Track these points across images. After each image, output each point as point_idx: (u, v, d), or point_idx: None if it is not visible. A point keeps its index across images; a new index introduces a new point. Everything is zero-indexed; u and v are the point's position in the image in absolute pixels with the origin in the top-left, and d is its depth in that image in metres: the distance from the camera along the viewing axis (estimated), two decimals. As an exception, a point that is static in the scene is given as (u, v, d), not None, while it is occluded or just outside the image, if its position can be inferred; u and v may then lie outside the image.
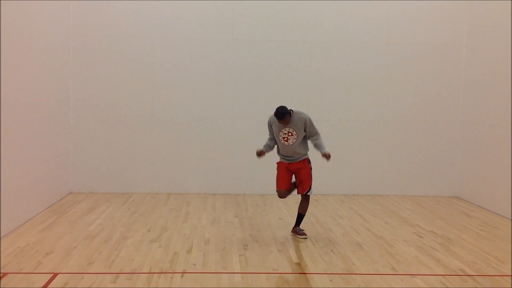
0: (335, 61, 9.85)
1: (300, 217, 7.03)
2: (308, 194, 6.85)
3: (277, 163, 6.96)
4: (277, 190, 6.94)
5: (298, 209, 7.02)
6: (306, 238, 6.85)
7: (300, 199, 7.02)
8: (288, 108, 6.63)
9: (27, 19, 7.45)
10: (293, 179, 6.94)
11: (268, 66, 9.79)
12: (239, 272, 5.60)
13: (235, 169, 9.87)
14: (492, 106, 8.87)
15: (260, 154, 6.82)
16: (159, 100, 9.71)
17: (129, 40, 9.61)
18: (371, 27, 9.85)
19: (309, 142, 6.85)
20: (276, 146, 6.93)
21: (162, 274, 5.48)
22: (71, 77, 9.50)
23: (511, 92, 8.30)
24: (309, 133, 6.72)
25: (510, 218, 8.19)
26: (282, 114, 6.53)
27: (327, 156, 6.68)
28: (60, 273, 5.45)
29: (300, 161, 6.78)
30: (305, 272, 5.66)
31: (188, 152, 9.80)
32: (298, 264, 5.91)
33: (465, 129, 9.78)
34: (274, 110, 6.63)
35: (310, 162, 6.87)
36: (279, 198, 7.10)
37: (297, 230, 6.99)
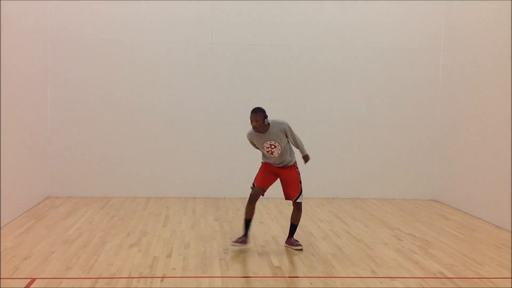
0: (315, 65, 9.89)
1: (293, 228, 6.66)
2: (298, 201, 6.52)
3: (261, 162, 6.66)
4: (253, 185, 6.51)
5: (291, 219, 6.67)
6: (301, 249, 6.48)
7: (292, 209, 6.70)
8: (265, 116, 6.29)
9: (3, 21, 7.35)
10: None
11: (248, 70, 9.80)
12: (220, 276, 5.57)
13: (215, 172, 9.84)
14: (470, 109, 8.97)
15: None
16: (138, 104, 9.65)
17: (108, 43, 9.54)
18: (349, 31, 9.91)
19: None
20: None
21: (141, 278, 5.44)
22: (49, 80, 9.40)
23: (488, 96, 8.41)
24: (292, 141, 6.48)
25: (488, 220, 8.28)
26: (256, 109, 6.26)
27: (306, 158, 6.56)
28: (38, 278, 5.38)
29: (287, 167, 6.51)
30: (286, 275, 5.65)
31: (168, 155, 9.76)
32: (279, 267, 5.90)
33: (443, 132, 9.89)
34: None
35: (297, 168, 6.57)
36: (251, 195, 6.44)
37: (291, 241, 6.62)
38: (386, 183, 10.09)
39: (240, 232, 6.82)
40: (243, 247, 6.48)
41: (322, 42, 9.89)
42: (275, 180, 6.64)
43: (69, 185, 9.56)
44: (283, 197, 6.64)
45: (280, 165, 6.52)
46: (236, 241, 6.47)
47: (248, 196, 6.51)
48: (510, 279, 5.68)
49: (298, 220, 6.65)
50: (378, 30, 9.94)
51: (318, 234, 7.34)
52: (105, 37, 9.52)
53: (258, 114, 6.27)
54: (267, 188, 6.58)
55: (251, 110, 6.35)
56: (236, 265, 5.96)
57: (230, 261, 6.09)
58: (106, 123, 9.62)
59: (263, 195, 6.57)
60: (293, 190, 6.52)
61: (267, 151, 6.41)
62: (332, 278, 5.57)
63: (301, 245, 6.57)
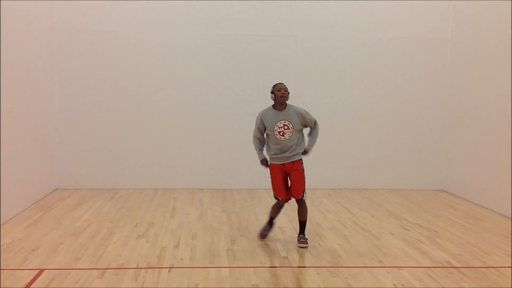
0: (322, 56, 9.87)
1: (302, 224, 6.44)
2: (303, 198, 6.36)
3: (269, 165, 6.39)
4: (277, 198, 6.42)
5: (298, 217, 6.45)
6: (306, 247, 6.27)
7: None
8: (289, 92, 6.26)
9: (11, 14, 7.37)
10: None
11: (255, 61, 9.78)
12: (227, 266, 5.60)
13: (223, 164, 9.86)
14: (477, 99, 8.93)
15: (265, 163, 6.42)
16: (146, 96, 9.67)
17: (115, 35, 9.55)
18: (356, 22, 9.87)
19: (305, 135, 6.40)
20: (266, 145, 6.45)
21: (149, 269, 5.47)
22: (57, 72, 9.43)
23: (496, 85, 8.37)
24: (308, 122, 6.28)
25: (495, 210, 8.26)
26: (282, 83, 6.23)
27: (306, 153, 6.36)
28: (46, 269, 5.42)
29: (294, 162, 6.25)
30: (293, 265, 5.67)
31: (175, 147, 9.78)
32: (286, 258, 5.92)
33: (450, 122, 9.85)
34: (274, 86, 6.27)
35: (302, 163, 6.34)
36: (278, 206, 6.50)
37: (298, 238, 6.41)
38: (393, 173, 10.08)
39: (247, 222, 6.83)
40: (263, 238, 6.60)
41: (328, 32, 9.85)
42: (288, 178, 6.41)
43: (77, 177, 9.60)
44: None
45: (288, 158, 6.22)
46: (260, 234, 6.63)
47: (273, 203, 6.60)
48: (518, 268, 5.68)
49: (306, 216, 6.44)
50: (385, 19, 9.90)
51: (325, 225, 7.34)
52: (112, 29, 9.53)
53: (285, 87, 6.20)
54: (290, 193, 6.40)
55: (275, 83, 6.35)
56: (243, 255, 5.99)
57: (237, 251, 6.11)
58: (114, 115, 9.64)
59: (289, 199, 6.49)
60: (299, 188, 6.30)
61: (278, 132, 6.14)
62: (339, 268, 5.58)
63: (306, 243, 6.31)
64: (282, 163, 6.27)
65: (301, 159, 6.34)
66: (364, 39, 9.90)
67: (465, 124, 9.32)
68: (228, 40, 9.73)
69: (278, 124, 6.18)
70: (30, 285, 4.97)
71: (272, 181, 6.40)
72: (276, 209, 6.57)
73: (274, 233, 6.89)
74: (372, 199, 9.13)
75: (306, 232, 6.58)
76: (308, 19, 9.81)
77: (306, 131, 6.49)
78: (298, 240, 6.41)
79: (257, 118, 6.35)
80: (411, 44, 9.95)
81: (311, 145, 6.42)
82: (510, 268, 5.68)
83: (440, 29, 9.94)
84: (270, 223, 6.67)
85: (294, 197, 6.37)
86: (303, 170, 6.35)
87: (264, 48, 9.79)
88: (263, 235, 6.60)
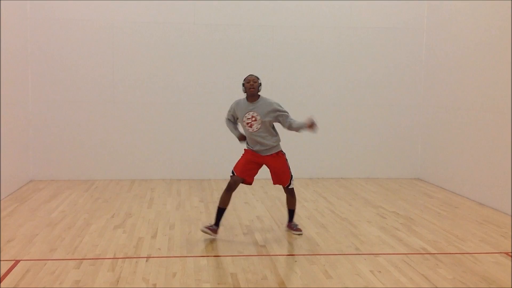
0: (298, 45, 9.87)
1: (290, 213, 6.52)
2: (291, 187, 6.34)
3: (244, 149, 6.37)
4: (232, 173, 6.19)
5: (287, 206, 6.52)
6: (301, 234, 6.33)
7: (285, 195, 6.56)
8: (260, 83, 6.19)
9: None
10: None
11: (232, 51, 9.74)
12: (205, 255, 5.59)
13: (200, 154, 9.83)
14: (452, 89, 9.02)
15: (244, 138, 6.33)
16: (120, 85, 9.57)
17: (89, 23, 9.43)
18: (332, 12, 9.88)
19: (286, 130, 6.27)
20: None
21: (126, 259, 5.44)
22: (30, 61, 9.28)
23: (471, 75, 8.46)
24: (280, 116, 6.12)
25: (470, 198, 8.38)
26: (252, 75, 6.17)
27: (311, 125, 5.99)
28: (22, 260, 5.35)
29: (273, 154, 6.18)
30: (270, 254, 5.68)
31: (152, 137, 9.71)
32: (264, 246, 5.93)
33: (426, 112, 9.94)
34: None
35: (284, 154, 6.29)
36: (229, 184, 6.17)
37: (291, 226, 6.48)
38: (370, 162, 10.15)
39: (225, 212, 6.79)
40: (212, 237, 6.16)
41: (305, 22, 9.85)
42: (258, 169, 6.29)
43: (52, 168, 9.49)
44: (269, 178, 6.38)
45: (264, 151, 6.16)
46: (207, 228, 6.15)
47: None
48: (492, 254, 5.76)
49: (295, 205, 6.49)
50: (361, 9, 9.93)
51: (303, 214, 7.37)
52: (86, 18, 9.40)
53: (256, 77, 6.17)
54: (251, 179, 6.27)
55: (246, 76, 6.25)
56: (221, 244, 5.98)
57: (214, 241, 6.10)
58: (89, 105, 9.53)
59: (250, 183, 6.32)
60: (284, 177, 6.26)
61: (246, 123, 6.11)
62: (317, 256, 5.61)
63: (301, 230, 6.39)
64: (259, 154, 6.20)
65: (281, 150, 6.29)
66: (340, 29, 9.92)
67: (441, 114, 9.41)
68: (204, 29, 9.67)
69: (246, 115, 6.13)
70: (6, 276, 4.91)
71: (240, 158, 6.27)
72: (224, 195, 6.17)
73: (251, 222, 6.91)
74: (349, 188, 9.19)
75: (282, 221, 6.57)
76: (285, 9, 9.80)
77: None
78: (292, 228, 6.44)
79: (231, 105, 6.37)
80: (387, 34, 10.00)
81: (300, 123, 6.12)
82: (485, 254, 5.76)
83: (415, 20, 10.00)
84: (219, 217, 6.21)
85: (277, 183, 6.33)
86: (286, 160, 6.30)
87: (241, 38, 9.75)
88: (214, 230, 6.19)
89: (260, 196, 8.40)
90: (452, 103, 9.04)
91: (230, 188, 6.18)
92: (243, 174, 6.18)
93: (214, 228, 6.18)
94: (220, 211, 6.21)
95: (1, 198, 7.88)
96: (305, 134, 9.72)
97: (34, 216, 7.03)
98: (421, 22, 10.00)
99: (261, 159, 6.22)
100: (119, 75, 9.55)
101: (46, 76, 9.37)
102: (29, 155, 9.33)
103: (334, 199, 8.30)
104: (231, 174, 6.22)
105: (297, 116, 9.81)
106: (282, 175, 6.27)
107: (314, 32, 9.89)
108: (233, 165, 6.28)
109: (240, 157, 6.33)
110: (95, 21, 9.44)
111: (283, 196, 8.33)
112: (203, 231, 6.16)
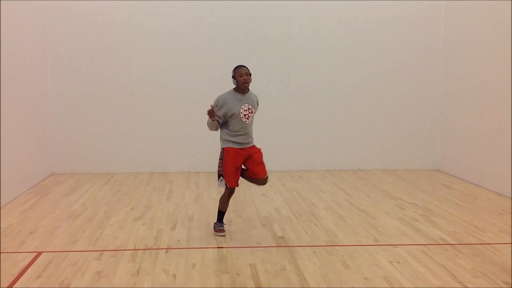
0: (315, 37, 9.84)
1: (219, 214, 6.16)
2: (268, 177, 6.11)
3: (224, 149, 5.98)
4: (227, 186, 5.96)
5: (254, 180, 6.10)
6: (223, 235, 6.02)
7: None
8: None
9: (2, -2, 7.32)
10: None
11: (249, 43, 9.75)
12: (224, 246, 5.63)
13: (218, 147, 9.83)
14: (471, 78, 8.95)
15: (212, 111, 5.85)
16: (139, 79, 9.63)
17: (107, 18, 9.50)
18: (348, 2, 9.82)
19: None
20: (221, 130, 6.08)
21: (146, 250, 5.50)
22: (49, 56, 9.38)
23: (489, 64, 8.38)
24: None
25: (489, 188, 8.32)
26: (244, 67, 5.95)
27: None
28: (44, 251, 5.44)
29: (253, 146, 6.03)
30: (289, 245, 5.70)
31: (170, 131, 9.77)
32: (282, 237, 5.95)
33: (444, 102, 9.87)
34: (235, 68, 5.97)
35: None
36: (227, 194, 6.03)
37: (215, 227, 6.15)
38: (388, 154, 10.11)
39: (243, 204, 6.85)
40: (224, 234, 6.05)
41: (322, 13, 9.82)
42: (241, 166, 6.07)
43: (73, 161, 9.60)
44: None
45: (247, 144, 5.99)
46: (217, 231, 6.04)
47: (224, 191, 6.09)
48: (511, 244, 5.74)
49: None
50: (377, 0, 9.86)
51: (321, 205, 7.38)
52: (104, 12, 9.47)
53: (247, 69, 5.95)
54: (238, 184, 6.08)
55: (235, 66, 6.03)
56: (239, 235, 6.02)
57: (233, 232, 6.14)
58: (108, 99, 9.61)
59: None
60: (263, 168, 6.02)
61: (244, 115, 5.89)
62: (335, 247, 5.62)
63: (223, 231, 6.07)
64: (242, 147, 5.96)
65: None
66: (357, 20, 9.87)
67: (459, 104, 9.34)
68: (221, 22, 9.69)
69: (243, 107, 5.93)
70: (28, 267, 4.99)
71: (227, 167, 5.92)
72: (225, 201, 6.07)
73: (269, 213, 6.93)
74: (367, 179, 9.17)
75: (300, 213, 6.58)
76: (301, 1, 9.76)
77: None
78: (215, 229, 6.14)
79: (218, 102, 5.94)
80: (405, 24, 9.93)
81: None
82: (504, 245, 5.73)
83: (433, 9, 9.92)
84: (221, 219, 6.13)
85: (261, 177, 6.00)
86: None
87: (257, 30, 9.74)
88: (221, 230, 6.08)
89: (278, 188, 8.42)
90: (470, 92, 8.96)
91: (229, 196, 6.07)
92: (236, 183, 5.99)
93: (222, 227, 6.09)
94: (222, 213, 6.13)
95: (23, 192, 7.99)
96: (323, 125, 9.77)
97: (55, 209, 7.13)
98: (438, 11, 9.91)
99: (245, 153, 5.97)
100: (137, 68, 9.62)
101: (65, 70, 9.46)
102: (49, 149, 9.45)
103: (352, 191, 8.29)
104: (225, 186, 5.96)
105: (314, 108, 9.89)
106: (262, 165, 6.02)
107: (330, 23, 9.85)
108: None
109: (226, 162, 5.94)
110: (113, 15, 9.50)
111: (300, 187, 8.41)
112: (216, 235, 6.05)
